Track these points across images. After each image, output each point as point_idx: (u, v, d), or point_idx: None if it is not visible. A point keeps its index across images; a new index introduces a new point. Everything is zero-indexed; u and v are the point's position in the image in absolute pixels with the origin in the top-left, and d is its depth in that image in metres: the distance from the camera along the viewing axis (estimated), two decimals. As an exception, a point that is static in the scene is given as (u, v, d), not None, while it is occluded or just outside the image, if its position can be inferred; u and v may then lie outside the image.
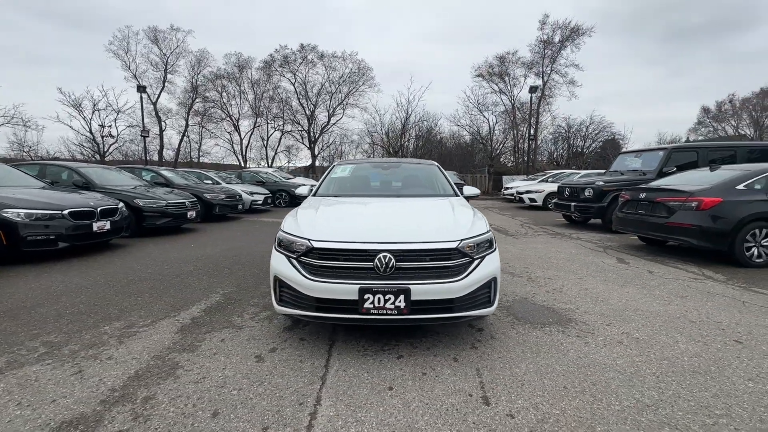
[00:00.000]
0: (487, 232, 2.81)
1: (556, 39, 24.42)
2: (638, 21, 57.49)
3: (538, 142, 25.31)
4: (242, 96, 28.68)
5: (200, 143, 33.30)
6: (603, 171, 12.41)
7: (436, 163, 4.57)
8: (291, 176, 17.57)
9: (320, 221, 2.90)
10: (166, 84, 30.27)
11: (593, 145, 36.94)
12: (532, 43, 25.86)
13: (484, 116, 26.78)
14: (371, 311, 2.41)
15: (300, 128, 25.37)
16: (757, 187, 5.14)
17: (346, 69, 24.01)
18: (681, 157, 8.18)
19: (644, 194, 5.96)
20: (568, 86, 26.95)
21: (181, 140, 31.79)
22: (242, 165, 29.89)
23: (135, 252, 5.95)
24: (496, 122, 26.59)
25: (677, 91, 61.78)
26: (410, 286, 2.41)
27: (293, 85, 25.14)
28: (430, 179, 4.20)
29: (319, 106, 24.67)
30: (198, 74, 30.05)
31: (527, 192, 14.49)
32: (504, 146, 27.27)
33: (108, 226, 5.86)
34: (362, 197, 3.71)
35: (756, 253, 5.03)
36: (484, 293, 2.62)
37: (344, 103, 24.37)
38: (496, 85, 26.52)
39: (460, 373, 2.32)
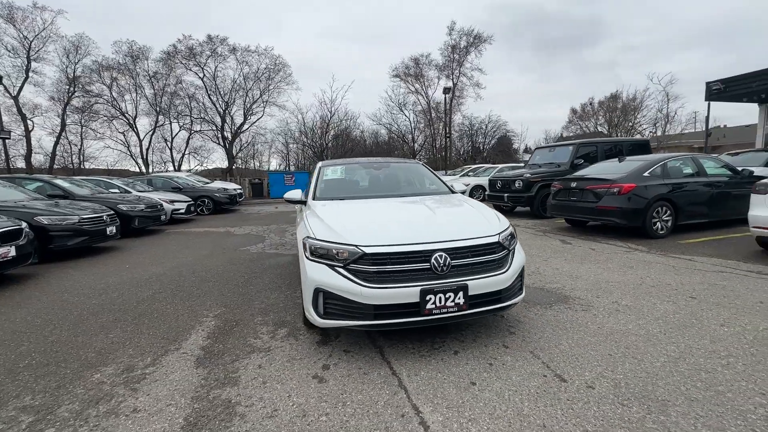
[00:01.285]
0: (510, 224, 3.01)
1: (462, 44, 26.85)
2: (515, 33, 65.68)
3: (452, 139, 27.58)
4: (138, 91, 24.70)
5: (82, 145, 27.83)
6: (521, 164, 13.97)
7: (420, 162, 4.68)
8: (208, 180, 15.94)
9: (358, 225, 2.77)
10: (30, 74, 24.60)
11: (492, 142, 41.19)
12: (441, 47, 28.01)
13: (405, 114, 28.11)
14: (433, 311, 2.42)
15: (213, 127, 22.91)
16: (657, 173, 6.42)
17: (261, 64, 22.52)
18: (584, 150, 9.72)
19: (575, 183, 6.95)
20: (474, 88, 29.79)
21: (56, 143, 26.09)
22: (142, 170, 25.74)
23: (55, 281, 4.83)
24: (417, 121, 28.15)
25: (549, 94, 72.20)
26: (467, 282, 2.48)
27: (202, 80, 22.53)
28: (423, 177, 4.29)
29: (235, 104, 22.66)
30: (76, 63, 25.05)
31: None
32: (425, 144, 28.91)
33: (13, 252, 4.64)
34: (373, 198, 3.63)
35: (659, 226, 6.28)
36: (518, 281, 2.82)
37: (265, 101, 22.81)
38: (413, 85, 28.11)
39: (521, 358, 2.47)
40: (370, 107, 75.79)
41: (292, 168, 37.32)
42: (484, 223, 2.85)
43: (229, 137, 21.87)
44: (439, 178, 4.25)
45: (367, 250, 2.46)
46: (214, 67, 21.97)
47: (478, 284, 2.51)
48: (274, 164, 41.73)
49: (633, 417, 1.84)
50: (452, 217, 3.01)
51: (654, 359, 2.39)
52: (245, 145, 25.66)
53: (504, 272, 2.63)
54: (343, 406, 2.02)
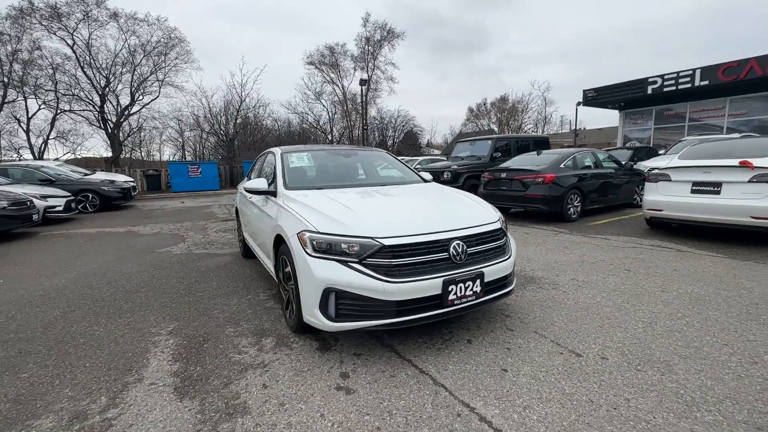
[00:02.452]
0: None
1: (377, 37, 27.02)
2: (414, 33, 68.98)
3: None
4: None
5: None
6: (443, 157, 14.69)
7: (384, 150, 4.52)
8: (88, 171, 13.10)
9: (365, 216, 2.50)
10: None
11: (400, 136, 42.72)
12: (356, 38, 27.71)
13: (322, 104, 27.10)
14: (455, 302, 2.34)
15: (90, 108, 18.08)
16: (569, 165, 7.36)
17: (153, 37, 18.74)
18: (501, 144, 10.68)
19: (504, 174, 7.56)
20: (388, 82, 30.30)
21: None
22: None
23: None
24: (336, 112, 27.41)
25: (447, 93, 77.82)
26: (483, 270, 2.45)
27: (72, 48, 17.59)
28: (395, 165, 4.14)
29: (120, 81, 18.46)
30: None
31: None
32: (343, 135, 28.31)
33: None
34: (357, 187, 3.35)
35: (572, 211, 7.24)
36: (514, 267, 2.91)
37: (160, 80, 19.13)
38: (328, 74, 27.26)
39: (531, 339, 2.56)
40: (284, 95, 71.74)
41: (189, 158, 33.27)
42: (483, 211, 2.85)
43: (113, 121, 18.03)
44: (408, 167, 4.16)
45: (386, 242, 2.25)
46: (89, 34, 17.71)
47: (491, 271, 2.50)
48: (168, 154, 36.64)
49: (654, 380, 2.04)
50: (455, 205, 2.94)
51: (634, 326, 2.70)
52: (135, 130, 21.61)
53: (509, 258, 2.68)
54: (390, 416, 1.81)
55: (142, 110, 19.37)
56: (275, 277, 3.18)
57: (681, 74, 13.02)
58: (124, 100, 18.25)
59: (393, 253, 2.25)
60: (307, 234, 2.38)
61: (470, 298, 2.40)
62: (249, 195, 4.09)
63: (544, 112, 41.42)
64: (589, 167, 7.77)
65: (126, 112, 18.35)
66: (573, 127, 36.93)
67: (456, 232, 2.46)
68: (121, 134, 19.06)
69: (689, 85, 12.91)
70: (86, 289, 3.92)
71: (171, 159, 31.12)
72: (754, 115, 12.68)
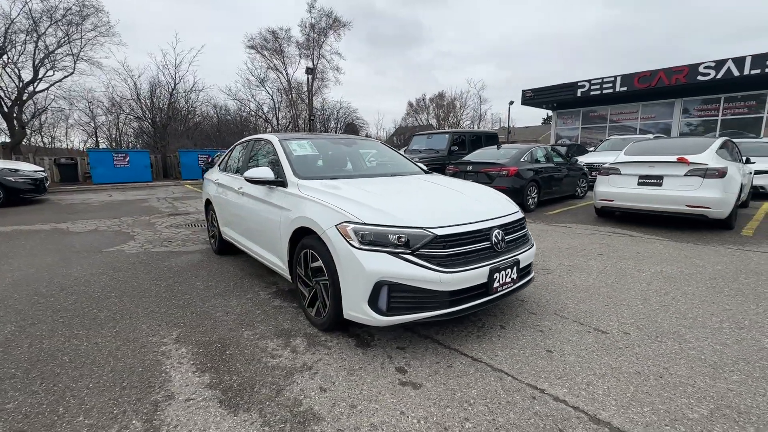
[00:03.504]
0: None
1: (323, 25, 26.03)
2: (351, 23, 68.36)
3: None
4: None
5: None
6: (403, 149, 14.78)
7: (378, 140, 4.42)
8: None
9: (408, 206, 2.43)
10: None
11: (342, 127, 42.24)
12: (300, 24, 26.35)
13: (267, 91, 25.33)
14: (498, 289, 2.39)
15: None
16: (528, 159, 7.90)
17: (60, 2, 15.46)
18: (456, 138, 11.10)
19: (471, 167, 7.86)
20: (333, 72, 29.47)
21: None
22: None
23: None
24: (281, 100, 25.83)
25: (385, 86, 78.21)
26: (518, 257, 2.54)
27: None
28: (394, 156, 4.06)
29: (20, 52, 14.95)
30: None
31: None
32: (289, 125, 26.82)
33: None
34: (369, 177, 3.22)
35: (531, 202, 7.79)
36: (531, 254, 3.06)
37: (75, 54, 15.95)
38: (271, 60, 25.61)
39: (557, 321, 2.71)
40: (223, 80, 65.72)
41: (104, 145, 29.23)
42: (506, 201, 2.94)
43: (10, 100, 14.76)
44: (406, 158, 4.13)
45: (438, 233, 2.22)
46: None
47: (523, 258, 2.60)
48: (78, 141, 31.88)
49: (676, 349, 2.29)
50: (482, 195, 2.96)
51: (634, 303, 3.01)
52: (41, 111, 18.06)
53: (533, 245, 2.80)
54: (470, 406, 1.80)
55: (53, 88, 16.39)
56: (287, 274, 2.97)
57: (605, 80, 14.64)
58: (27, 75, 15.30)
59: (445, 244, 2.22)
60: (351, 226, 2.24)
61: (509, 285, 2.47)
62: (237, 185, 3.75)
63: (479, 110, 43.75)
64: (543, 161, 8.41)
65: (29, 89, 15.37)
66: (506, 125, 39.75)
67: (495, 221, 2.50)
68: (24, 116, 15.97)
69: (611, 91, 14.59)
70: (36, 297, 3.29)
71: (85, 147, 27.07)
72: (661, 119, 14.77)
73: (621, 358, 2.20)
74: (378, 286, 2.14)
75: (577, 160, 9.45)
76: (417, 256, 2.17)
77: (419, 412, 1.76)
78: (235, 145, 4.61)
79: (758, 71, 11.43)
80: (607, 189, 6.35)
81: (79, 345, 2.44)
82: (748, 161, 7.01)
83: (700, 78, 12.45)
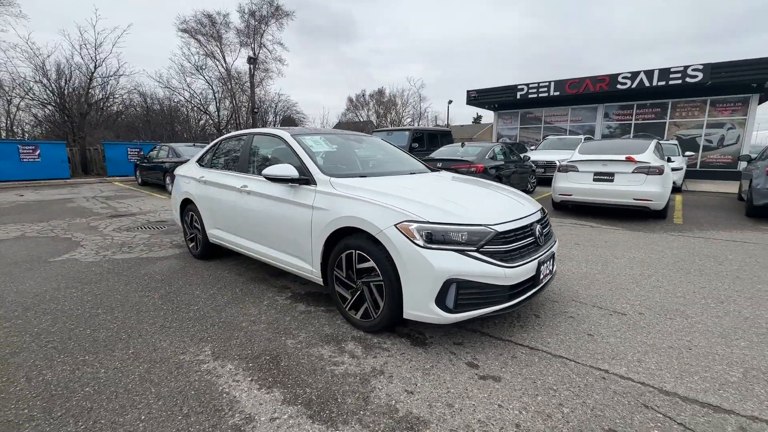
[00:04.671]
0: None
1: (263, 12, 24.45)
2: (294, 14, 65.66)
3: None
4: None
5: None
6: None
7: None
8: None
9: (461, 203, 2.45)
10: None
11: (279, 120, 40.68)
12: (239, 9, 24.41)
13: (206, 80, 22.96)
14: (542, 280, 2.54)
15: None
16: (491, 155, 8.37)
17: None
18: (416, 135, 11.34)
19: (440, 164, 8.09)
20: (275, 63, 27.91)
21: None
22: None
23: None
24: (221, 91, 23.62)
25: (319, 80, 76.34)
26: (553, 249, 2.72)
27: None
28: (401, 153, 4.03)
29: None
30: None
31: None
32: (231, 118, 24.70)
33: None
34: (395, 175, 3.18)
35: (495, 197, 8.28)
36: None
37: None
38: (206, 46, 23.35)
39: (579, 306, 2.95)
40: (151, 65, 57.89)
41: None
42: (528, 197, 3.11)
43: None
44: (410, 155, 4.14)
45: (499, 229, 2.29)
46: None
47: (555, 249, 2.79)
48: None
49: (687, 324, 2.64)
50: (508, 192, 3.08)
51: (630, 287, 3.39)
52: None
53: (556, 239, 3.01)
54: (556, 392, 1.90)
55: None
56: (314, 277, 2.84)
57: (541, 84, 16.01)
58: None
59: (504, 240, 2.30)
60: (415, 225, 2.22)
61: (548, 276, 2.64)
62: (238, 183, 3.47)
63: (419, 107, 45.03)
64: (501, 158, 8.97)
65: None
66: (445, 123, 41.48)
67: (533, 216, 2.65)
68: None
69: (546, 94, 16.00)
70: (22, 318, 2.72)
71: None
72: (586, 122, 16.58)
73: (650, 336, 2.48)
74: (447, 284, 2.15)
75: (529, 158, 10.24)
76: (482, 252, 2.22)
77: (515, 404, 1.82)
78: (222, 140, 4.22)
79: (663, 83, 13.40)
80: (565, 184, 6.99)
81: (96, 372, 2.08)
82: (669, 160, 8.21)
83: (618, 86, 14.22)
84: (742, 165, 9.15)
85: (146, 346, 2.38)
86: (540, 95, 16.10)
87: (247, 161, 3.61)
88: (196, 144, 11.67)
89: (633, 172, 6.26)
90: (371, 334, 2.52)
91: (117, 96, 19.81)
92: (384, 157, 3.79)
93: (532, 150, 13.44)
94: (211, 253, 4.28)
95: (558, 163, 11.77)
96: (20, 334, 2.54)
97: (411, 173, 3.41)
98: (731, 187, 11.03)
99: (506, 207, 2.61)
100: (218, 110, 24.33)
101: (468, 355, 2.27)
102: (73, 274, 3.81)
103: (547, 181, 10.82)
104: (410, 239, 2.20)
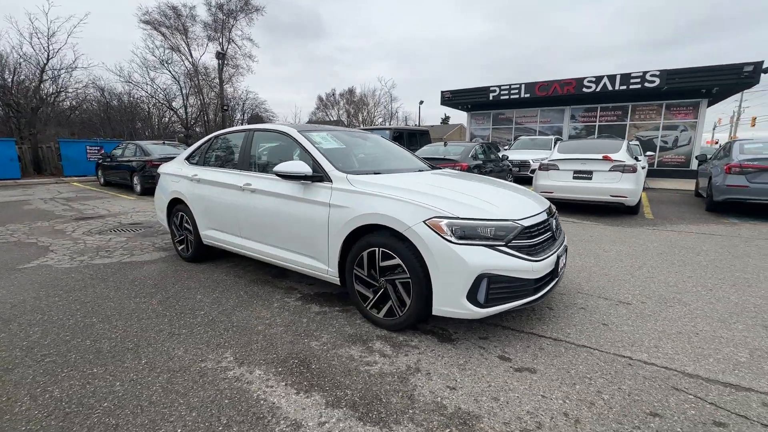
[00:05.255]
0: None
1: (232, 6, 23.40)
2: (264, 9, 63.71)
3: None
4: None
5: None
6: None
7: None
8: None
9: (485, 199, 2.47)
10: None
11: (247, 119, 39.61)
12: (206, 1, 23.17)
13: (174, 75, 21.50)
14: (559, 273, 2.62)
15: None
16: (473, 155, 8.53)
17: None
18: (395, 134, 11.38)
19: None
20: (246, 59, 26.84)
21: None
22: None
23: None
24: (189, 87, 22.22)
25: (283, 78, 74.52)
26: (565, 243, 2.81)
27: None
28: (403, 151, 4.02)
29: None
30: None
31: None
32: (199, 116, 23.36)
33: None
34: (407, 172, 3.16)
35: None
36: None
37: None
38: (170, 39, 21.98)
39: (587, 298, 3.07)
40: (111, 58, 53.35)
41: None
42: (535, 194, 3.20)
43: None
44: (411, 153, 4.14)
45: (524, 224, 2.33)
46: None
47: (566, 243, 2.88)
48: None
49: (686, 311, 2.82)
50: (518, 188, 3.13)
51: (625, 278, 3.56)
52: None
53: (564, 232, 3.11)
54: (590, 380, 1.96)
55: None
56: (329, 276, 2.78)
57: (512, 86, 16.55)
58: None
59: (529, 234, 2.35)
60: (445, 221, 2.21)
61: (563, 268, 2.72)
62: (241, 181, 3.33)
63: (390, 108, 45.24)
64: (483, 157, 9.18)
65: None
66: (415, 123, 41.94)
67: (548, 211, 2.72)
68: None
69: (517, 96, 16.56)
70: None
71: None
72: (554, 123, 17.32)
73: (659, 323, 2.62)
74: (478, 280, 2.16)
75: (507, 157, 10.55)
76: (510, 247, 2.25)
77: (557, 393, 1.86)
78: (215, 136, 4.02)
79: (624, 87, 14.26)
80: (547, 182, 7.26)
81: (111, 386, 1.92)
82: (637, 159, 8.74)
83: (584, 90, 14.98)
84: (695, 164, 9.91)
85: (159, 355, 2.22)
86: (511, 97, 16.64)
87: (248, 158, 3.46)
88: (165, 142, 11.06)
89: (610, 170, 6.60)
90: (396, 332, 2.50)
91: (71, 90, 18.33)
92: (389, 154, 3.77)
93: (506, 150, 13.85)
94: (204, 255, 4.07)
95: (531, 162, 12.36)
96: (8, 348, 2.29)
97: (419, 170, 3.41)
98: (687, 185, 11.91)
99: (523, 203, 2.66)
100: (185, 107, 23.12)
101: (497, 348, 2.29)
102: (51, 282, 3.50)
103: (521, 180, 11.20)
104: (441, 235, 2.20)
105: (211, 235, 3.76)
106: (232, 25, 23.48)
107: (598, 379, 1.98)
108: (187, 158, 4.21)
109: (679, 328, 2.54)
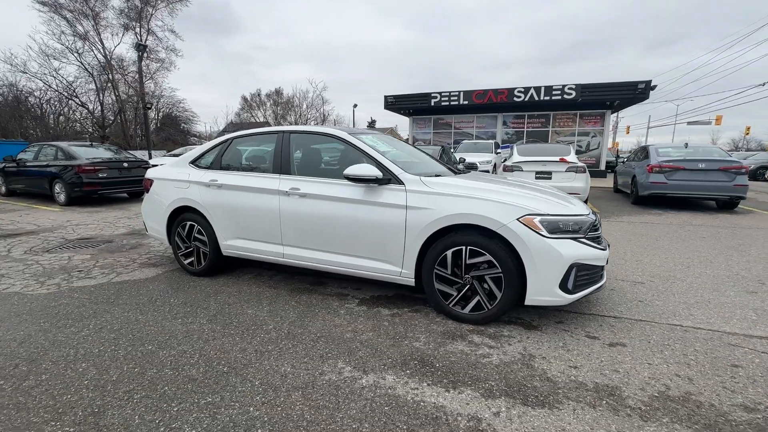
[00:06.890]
0: None
1: None
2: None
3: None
4: None
5: None
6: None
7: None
8: None
9: (549, 197, 2.74)
10: None
11: (161, 118, 36.06)
12: None
13: (87, 69, 17.93)
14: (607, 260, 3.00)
15: None
16: (436, 157, 8.97)
17: None
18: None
19: (399, 165, 8.35)
20: (167, 53, 23.93)
21: None
22: None
23: None
24: (105, 82, 18.76)
25: (192, 75, 68.86)
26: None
27: None
28: (419, 152, 4.14)
29: None
30: None
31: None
32: (117, 117, 19.91)
33: None
34: (448, 176, 3.29)
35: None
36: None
37: None
38: (75, 26, 18.53)
39: (607, 281, 3.53)
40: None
41: None
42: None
43: None
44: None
45: (592, 218, 2.65)
46: None
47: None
48: None
49: (688, 284, 3.42)
50: (550, 188, 3.46)
51: (621, 262, 4.16)
52: None
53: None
54: (671, 347, 2.32)
55: None
56: (403, 279, 2.83)
57: (452, 93, 17.65)
58: None
59: (594, 227, 2.67)
60: (537, 217, 2.42)
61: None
62: (286, 186, 3.17)
63: (321, 110, 44.66)
64: (446, 160, 9.69)
65: None
66: (350, 126, 42.03)
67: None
68: None
69: (456, 103, 17.70)
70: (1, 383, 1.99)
71: None
72: (489, 129, 18.89)
73: (678, 296, 3.16)
74: (570, 269, 2.41)
75: (465, 160, 11.26)
76: (587, 238, 2.54)
77: (656, 359, 2.17)
78: (235, 138, 3.70)
79: (548, 98, 16.19)
80: (512, 182, 7.97)
81: (246, 412, 1.74)
82: (574, 161, 10.01)
83: (515, 99, 16.63)
84: (603, 165, 11.64)
85: (266, 374, 2.05)
86: (451, 103, 17.72)
87: (288, 162, 3.29)
88: (93, 144, 9.58)
89: (566, 171, 7.51)
90: (483, 326, 2.63)
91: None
92: (423, 157, 3.87)
93: (451, 153, 14.70)
94: (218, 268, 3.73)
95: (478, 165, 13.33)
96: (70, 389, 1.91)
97: (455, 173, 3.58)
98: (602, 183, 13.94)
99: (564, 201, 3.00)
100: (101, 104, 19.96)
101: (578, 330, 2.56)
102: (43, 311, 2.93)
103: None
104: (535, 231, 2.40)
105: (235, 244, 3.47)
106: (151, 15, 21.02)
107: (675, 344, 2.35)
108: (193, 162, 3.82)
109: (695, 299, 3.09)
